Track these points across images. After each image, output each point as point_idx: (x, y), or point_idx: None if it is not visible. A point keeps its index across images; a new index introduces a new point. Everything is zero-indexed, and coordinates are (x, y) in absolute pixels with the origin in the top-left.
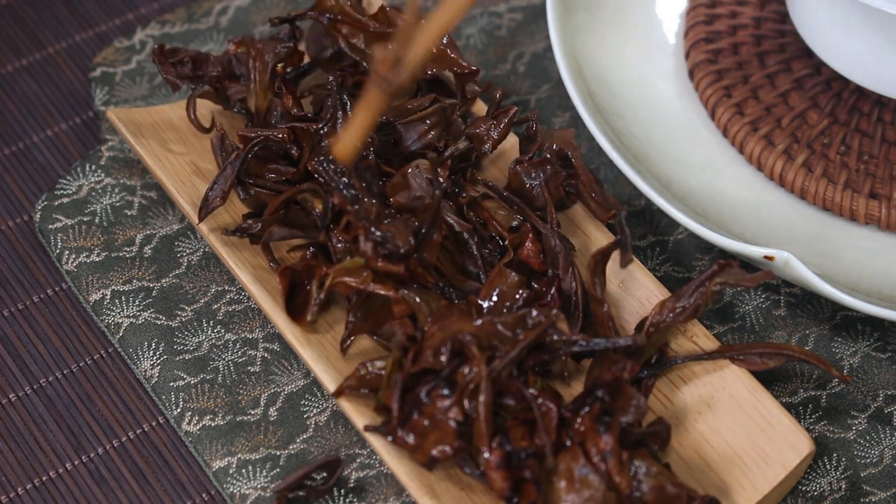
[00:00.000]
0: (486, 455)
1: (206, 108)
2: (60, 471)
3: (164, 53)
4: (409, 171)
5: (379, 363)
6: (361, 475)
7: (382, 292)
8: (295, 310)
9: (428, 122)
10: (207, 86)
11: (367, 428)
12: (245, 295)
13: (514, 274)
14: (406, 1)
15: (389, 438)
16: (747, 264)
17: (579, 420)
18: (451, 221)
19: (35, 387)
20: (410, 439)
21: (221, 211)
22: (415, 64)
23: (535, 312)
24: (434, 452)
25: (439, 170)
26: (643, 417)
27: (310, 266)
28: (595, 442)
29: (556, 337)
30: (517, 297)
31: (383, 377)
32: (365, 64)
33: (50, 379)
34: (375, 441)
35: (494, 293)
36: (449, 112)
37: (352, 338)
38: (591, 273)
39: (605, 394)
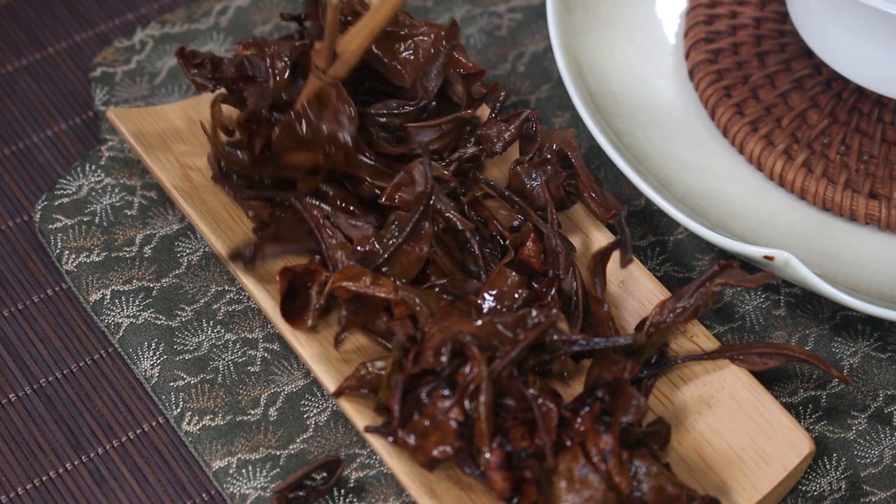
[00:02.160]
0: (487, 455)
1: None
2: (60, 471)
3: (186, 56)
4: (415, 167)
5: (379, 363)
6: (361, 475)
7: (382, 295)
8: (295, 312)
9: (442, 128)
10: (223, 87)
11: (367, 429)
12: (245, 295)
13: (514, 274)
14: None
15: (390, 439)
16: (747, 264)
17: (579, 420)
18: (454, 219)
19: (35, 387)
20: (411, 440)
21: (222, 211)
22: (351, 59)
23: (535, 312)
24: (435, 453)
25: (439, 164)
26: (643, 417)
27: (310, 270)
28: (595, 442)
29: (556, 337)
30: (516, 296)
31: (383, 377)
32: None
33: (50, 379)
34: (376, 441)
35: (494, 293)
36: (465, 123)
37: (345, 332)
38: (591, 273)
39: (605, 394)
